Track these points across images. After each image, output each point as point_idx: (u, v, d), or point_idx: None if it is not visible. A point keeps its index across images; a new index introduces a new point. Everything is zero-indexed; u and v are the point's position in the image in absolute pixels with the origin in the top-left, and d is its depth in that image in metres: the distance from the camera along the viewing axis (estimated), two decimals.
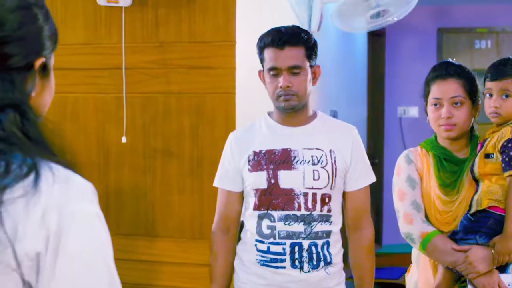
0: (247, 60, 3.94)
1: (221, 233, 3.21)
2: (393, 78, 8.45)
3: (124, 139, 3.99)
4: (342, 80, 6.71)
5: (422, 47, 8.51)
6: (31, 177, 1.22)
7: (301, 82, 3.03)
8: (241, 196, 3.18)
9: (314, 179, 3.03)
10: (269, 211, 3.04)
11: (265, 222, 3.05)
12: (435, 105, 3.05)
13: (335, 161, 3.06)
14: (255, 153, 3.09)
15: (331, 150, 3.08)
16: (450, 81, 3.04)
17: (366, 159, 3.19)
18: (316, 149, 3.07)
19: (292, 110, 3.07)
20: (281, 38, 3.02)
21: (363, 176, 3.15)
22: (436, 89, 3.05)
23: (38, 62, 1.34)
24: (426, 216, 3.07)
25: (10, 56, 1.29)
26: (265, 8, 4.42)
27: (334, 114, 6.06)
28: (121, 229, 4.06)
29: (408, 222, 3.04)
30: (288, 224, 3.01)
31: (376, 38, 8.30)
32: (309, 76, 3.07)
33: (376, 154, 8.30)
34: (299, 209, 3.01)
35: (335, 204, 3.09)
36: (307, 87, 3.06)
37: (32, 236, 1.20)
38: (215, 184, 3.23)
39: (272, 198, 3.04)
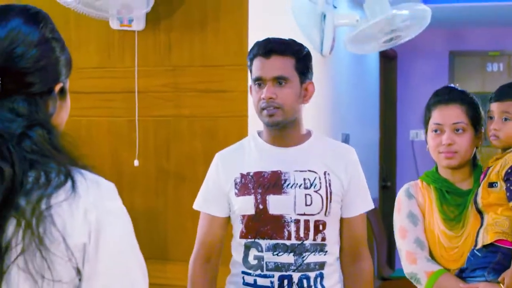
0: None
1: (201, 261, 2.90)
2: (405, 101, 8.45)
3: (136, 163, 4.00)
4: (354, 103, 6.72)
5: (434, 70, 8.51)
6: (69, 183, 1.48)
7: (286, 95, 2.73)
8: (225, 221, 2.89)
9: (306, 204, 2.74)
10: (256, 240, 2.75)
11: (252, 252, 2.76)
12: (436, 131, 2.87)
13: (330, 185, 2.77)
14: (242, 175, 2.80)
15: (325, 173, 2.78)
16: (452, 106, 2.87)
17: (365, 183, 2.91)
18: (309, 171, 2.78)
19: (278, 127, 2.78)
20: (267, 46, 2.79)
21: (362, 201, 2.88)
22: (437, 115, 2.88)
23: (57, 87, 1.59)
24: (431, 254, 2.86)
25: (32, 84, 1.53)
26: (277, 32, 4.42)
27: (346, 138, 6.06)
28: None
29: (411, 262, 2.83)
30: (277, 254, 2.73)
31: (388, 61, 8.31)
32: (298, 91, 2.78)
33: (389, 177, 8.29)
34: (289, 238, 2.72)
35: (331, 232, 2.80)
36: (294, 101, 2.76)
37: (78, 231, 1.46)
38: (196, 206, 2.96)
39: (260, 225, 2.75)
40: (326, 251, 2.78)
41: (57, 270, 1.45)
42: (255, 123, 3.91)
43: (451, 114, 2.86)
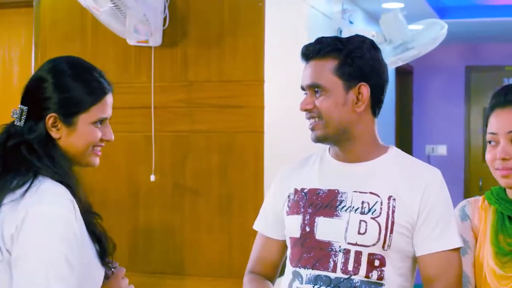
0: (275, 99, 3.96)
1: (253, 273, 2.52)
2: (421, 116, 8.43)
3: (152, 177, 4.01)
4: None
5: (451, 85, 8.50)
6: (24, 188, 1.96)
7: (323, 105, 2.30)
8: (282, 245, 2.49)
9: (359, 233, 2.25)
10: (298, 269, 2.32)
11: (295, 284, 2.32)
12: (490, 142, 2.26)
13: (393, 212, 2.25)
14: (296, 191, 2.40)
15: (390, 197, 2.27)
16: (509, 110, 2.22)
17: (450, 215, 2.31)
18: (370, 193, 2.29)
19: (324, 143, 2.38)
20: (304, 47, 2.39)
21: (442, 236, 2.27)
22: (493, 121, 2.25)
23: (48, 117, 2.06)
24: None
25: (30, 112, 2.07)
26: (294, 48, 4.44)
27: None
28: (149, 267, 4.06)
29: None
30: None
31: (404, 76, 8.30)
32: (341, 98, 2.30)
33: None
34: (334, 270, 2.25)
35: (393, 271, 2.26)
36: (336, 111, 2.30)
37: (10, 224, 1.93)
38: (254, 226, 2.58)
39: (303, 252, 2.31)
40: None
41: None
42: (271, 138, 3.92)
43: (506, 120, 2.23)
